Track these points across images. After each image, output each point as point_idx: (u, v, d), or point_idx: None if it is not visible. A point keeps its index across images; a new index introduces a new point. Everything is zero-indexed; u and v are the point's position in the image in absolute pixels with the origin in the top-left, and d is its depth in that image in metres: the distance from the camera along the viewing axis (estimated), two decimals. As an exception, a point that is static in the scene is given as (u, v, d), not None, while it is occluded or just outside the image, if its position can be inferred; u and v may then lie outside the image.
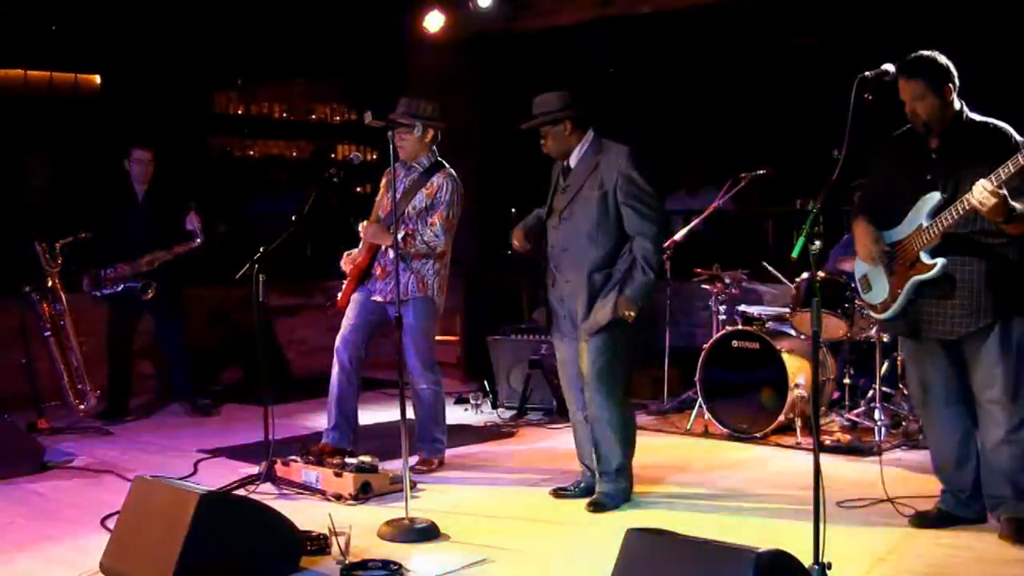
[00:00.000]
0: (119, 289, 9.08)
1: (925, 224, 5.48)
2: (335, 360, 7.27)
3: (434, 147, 7.32)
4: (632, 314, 6.10)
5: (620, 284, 6.16)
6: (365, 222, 7.29)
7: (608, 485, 6.38)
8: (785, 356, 8.09)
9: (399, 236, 6.85)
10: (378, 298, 7.22)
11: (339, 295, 7.39)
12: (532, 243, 6.49)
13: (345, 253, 7.36)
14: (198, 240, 9.10)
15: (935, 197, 5.46)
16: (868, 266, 5.85)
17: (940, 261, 5.47)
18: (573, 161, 6.37)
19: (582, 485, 6.63)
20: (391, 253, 6.95)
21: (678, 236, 9.03)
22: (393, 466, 6.61)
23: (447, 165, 7.31)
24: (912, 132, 5.65)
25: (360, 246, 7.33)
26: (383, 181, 7.48)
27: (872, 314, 6.06)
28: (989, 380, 5.54)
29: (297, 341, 11.80)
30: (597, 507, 6.30)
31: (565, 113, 6.30)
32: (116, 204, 9.32)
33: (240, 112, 12.74)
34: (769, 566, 3.92)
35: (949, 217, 5.37)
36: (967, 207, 5.25)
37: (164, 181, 9.38)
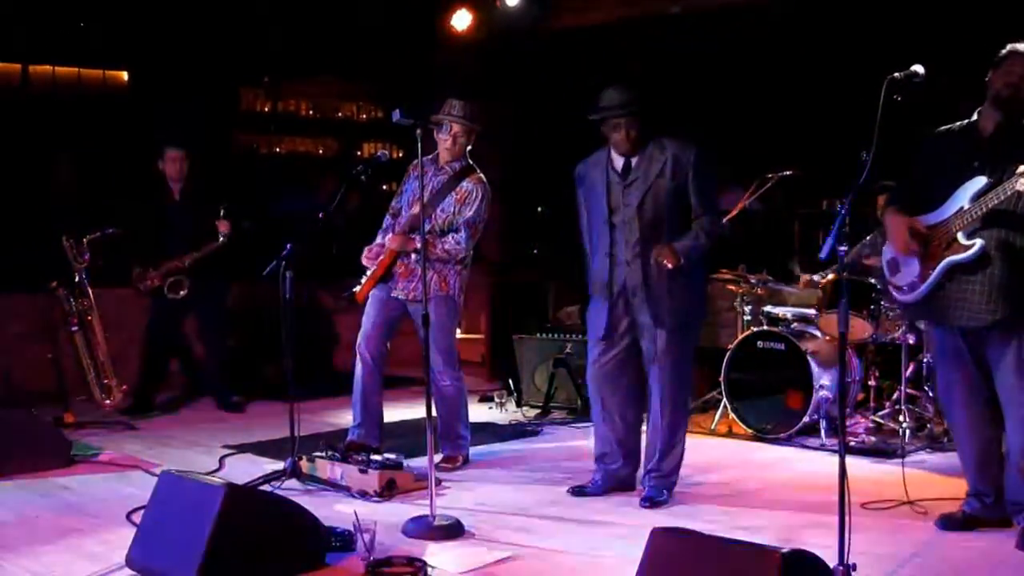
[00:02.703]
0: (156, 285, 9.13)
1: (967, 206, 5.43)
2: (358, 358, 7.29)
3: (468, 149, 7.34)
4: (670, 263, 6.11)
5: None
6: (390, 236, 7.31)
7: (661, 480, 6.47)
8: (810, 357, 8.07)
9: (419, 245, 6.89)
10: (399, 295, 7.23)
11: (358, 288, 7.39)
12: None
13: (366, 248, 7.36)
14: (220, 240, 9.11)
15: (980, 181, 5.41)
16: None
17: (978, 242, 5.41)
18: (635, 158, 6.41)
19: (600, 484, 6.67)
20: (415, 254, 6.99)
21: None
22: (418, 463, 6.62)
23: (477, 169, 7.32)
24: (960, 128, 5.63)
25: (383, 236, 7.34)
26: (408, 173, 7.45)
27: (895, 295, 5.94)
28: (1013, 384, 5.52)
29: (325, 338, 11.82)
30: (653, 503, 6.36)
31: (646, 109, 6.40)
32: (154, 202, 9.38)
33: (267, 109, 12.77)
34: (794, 567, 3.92)
35: (993, 199, 5.32)
36: (1010, 191, 5.24)
37: (198, 179, 9.43)
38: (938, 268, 5.55)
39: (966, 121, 5.66)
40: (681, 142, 6.39)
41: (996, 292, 5.42)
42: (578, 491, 6.67)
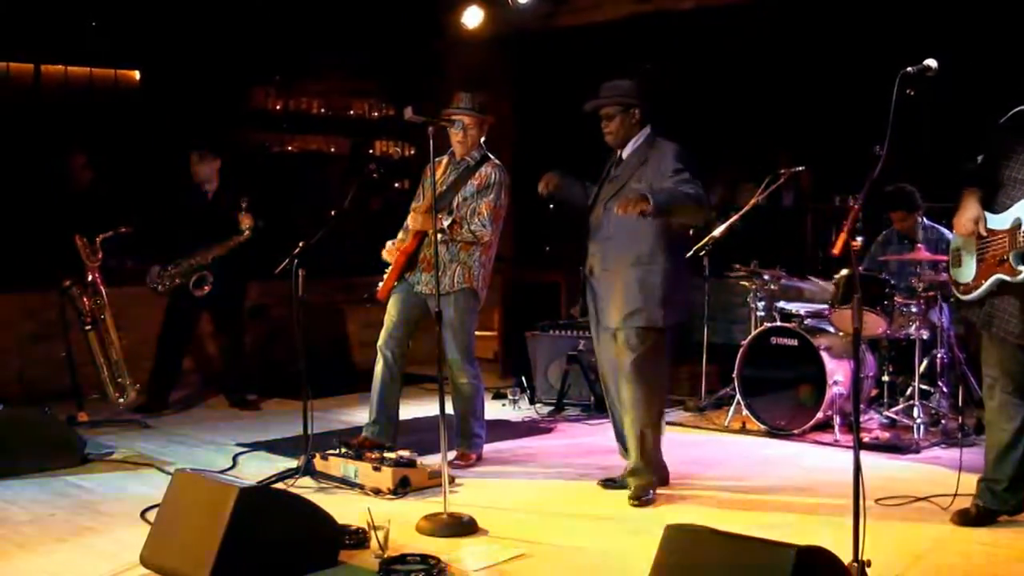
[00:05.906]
0: (177, 283, 9.14)
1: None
2: (379, 355, 7.28)
3: (482, 140, 7.34)
4: (646, 208, 5.84)
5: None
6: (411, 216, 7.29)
7: (642, 478, 6.40)
8: (824, 353, 8.05)
9: (446, 224, 6.89)
10: (423, 289, 7.22)
11: (380, 285, 7.38)
12: (559, 192, 6.51)
13: (388, 243, 7.36)
14: (245, 233, 9.07)
15: None
16: (962, 240, 5.74)
17: None
18: (626, 153, 6.42)
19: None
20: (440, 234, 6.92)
21: (717, 232, 8.97)
22: (432, 460, 6.62)
23: (493, 157, 7.32)
24: None
25: (404, 234, 7.33)
26: (427, 172, 7.45)
27: (954, 291, 5.94)
28: None
29: (339, 335, 11.82)
30: (641, 501, 6.31)
31: (638, 101, 6.38)
32: (183, 202, 9.44)
33: (278, 108, 12.75)
34: (808, 563, 3.90)
35: None
36: None
37: (229, 178, 9.43)
38: (988, 281, 5.56)
39: None
40: (666, 144, 6.34)
41: None
42: (609, 483, 6.65)
